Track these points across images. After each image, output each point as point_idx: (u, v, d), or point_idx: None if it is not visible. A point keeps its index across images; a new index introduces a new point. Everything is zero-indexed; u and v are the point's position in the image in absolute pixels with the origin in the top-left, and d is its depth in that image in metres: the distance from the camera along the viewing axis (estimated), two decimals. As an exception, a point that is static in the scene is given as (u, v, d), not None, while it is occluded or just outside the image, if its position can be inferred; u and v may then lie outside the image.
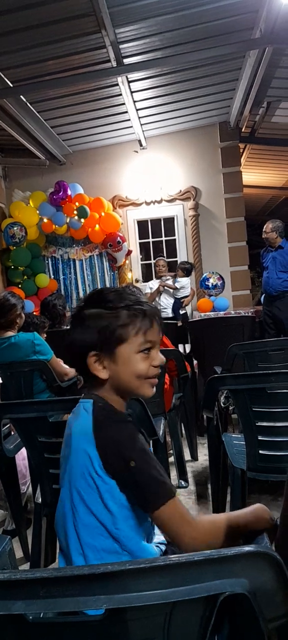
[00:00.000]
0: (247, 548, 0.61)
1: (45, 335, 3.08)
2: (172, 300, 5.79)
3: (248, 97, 5.31)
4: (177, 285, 5.79)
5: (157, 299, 5.77)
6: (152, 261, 6.72)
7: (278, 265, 4.87)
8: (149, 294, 5.70)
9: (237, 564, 0.60)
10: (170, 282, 5.88)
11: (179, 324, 5.08)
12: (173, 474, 2.78)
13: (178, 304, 5.76)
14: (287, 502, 0.91)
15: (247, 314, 4.78)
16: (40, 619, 0.57)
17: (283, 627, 0.65)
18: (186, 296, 5.82)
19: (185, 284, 5.82)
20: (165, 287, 5.82)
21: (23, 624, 0.59)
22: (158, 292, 5.77)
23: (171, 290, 5.82)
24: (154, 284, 5.94)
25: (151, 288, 5.85)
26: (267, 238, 4.95)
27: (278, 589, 0.62)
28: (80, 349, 1.00)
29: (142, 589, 0.57)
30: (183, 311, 5.78)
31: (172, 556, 0.60)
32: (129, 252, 6.41)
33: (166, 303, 5.79)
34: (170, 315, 5.70)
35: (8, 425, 2.35)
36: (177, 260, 6.39)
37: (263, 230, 4.98)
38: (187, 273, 5.85)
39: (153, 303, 5.66)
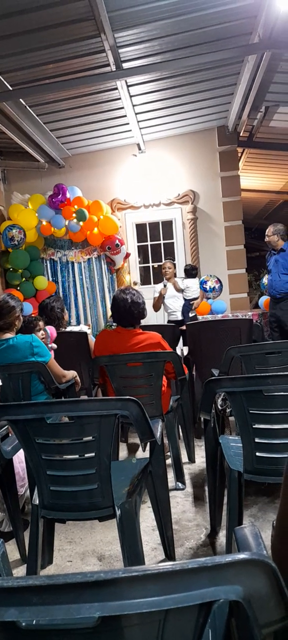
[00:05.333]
0: (241, 555, 0.61)
1: (40, 333, 3.09)
2: (181, 303, 5.63)
3: (246, 101, 5.33)
4: (181, 286, 5.63)
5: (166, 301, 5.65)
6: (151, 264, 6.73)
7: (281, 268, 4.88)
8: (156, 297, 5.58)
9: (230, 571, 0.60)
10: (175, 283, 5.68)
11: (184, 327, 4.95)
12: (171, 476, 2.78)
13: (187, 307, 5.59)
14: (283, 504, 0.92)
15: (244, 317, 4.78)
16: (33, 625, 0.57)
17: (278, 632, 0.65)
18: (195, 298, 5.63)
19: (190, 284, 5.65)
20: (169, 289, 5.64)
21: (15, 631, 0.58)
22: (162, 296, 5.58)
23: (178, 292, 5.63)
24: (159, 287, 5.68)
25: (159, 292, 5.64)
26: (269, 241, 4.96)
27: (272, 594, 0.62)
28: None
29: (135, 597, 0.56)
30: (193, 314, 5.60)
31: (166, 564, 0.60)
32: (127, 255, 6.42)
33: (176, 306, 5.64)
34: (180, 318, 5.52)
35: (6, 427, 2.35)
36: (174, 264, 6.34)
37: (266, 234, 4.99)
38: (188, 274, 5.70)
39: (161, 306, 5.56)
